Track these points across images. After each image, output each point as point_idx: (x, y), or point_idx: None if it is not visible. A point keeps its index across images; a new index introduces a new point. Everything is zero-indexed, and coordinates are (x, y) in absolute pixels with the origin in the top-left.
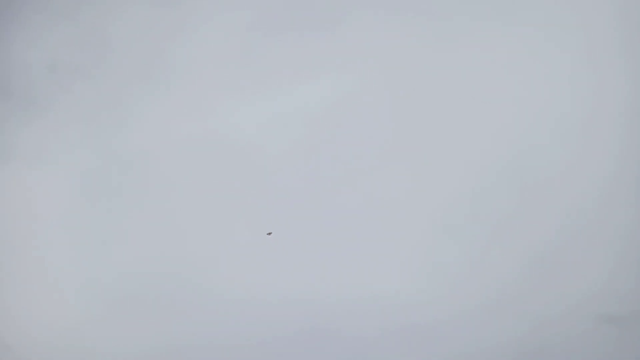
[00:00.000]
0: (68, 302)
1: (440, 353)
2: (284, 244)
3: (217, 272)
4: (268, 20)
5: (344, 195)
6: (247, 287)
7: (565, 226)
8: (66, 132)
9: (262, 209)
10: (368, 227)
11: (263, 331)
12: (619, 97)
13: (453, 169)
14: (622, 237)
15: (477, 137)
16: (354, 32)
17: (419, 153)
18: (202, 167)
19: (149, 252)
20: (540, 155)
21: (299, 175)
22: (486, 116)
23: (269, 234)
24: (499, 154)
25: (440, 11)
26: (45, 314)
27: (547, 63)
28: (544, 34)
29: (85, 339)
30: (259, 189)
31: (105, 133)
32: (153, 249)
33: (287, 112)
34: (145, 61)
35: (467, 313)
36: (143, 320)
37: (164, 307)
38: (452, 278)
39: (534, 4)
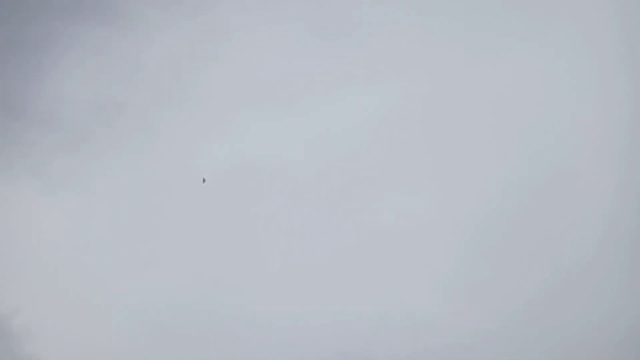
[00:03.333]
0: (100, 326)
1: None
2: (315, 267)
3: (248, 296)
4: (295, 41)
5: (374, 216)
6: (278, 310)
7: (588, 243)
8: (103, 161)
9: (292, 232)
10: (398, 249)
11: (295, 355)
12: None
13: (479, 189)
14: None
15: (504, 156)
16: (381, 52)
17: (448, 172)
18: (232, 191)
19: (180, 276)
20: (567, 174)
21: (328, 197)
22: (516, 134)
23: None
24: (524, 172)
25: (464, 30)
26: (78, 337)
27: (576, 82)
28: (565, 52)
29: None
30: (289, 213)
31: (141, 162)
32: (184, 273)
33: (315, 133)
34: (176, 89)
35: (494, 331)
36: (174, 344)
37: (196, 331)
38: (478, 297)
39: (553, 21)
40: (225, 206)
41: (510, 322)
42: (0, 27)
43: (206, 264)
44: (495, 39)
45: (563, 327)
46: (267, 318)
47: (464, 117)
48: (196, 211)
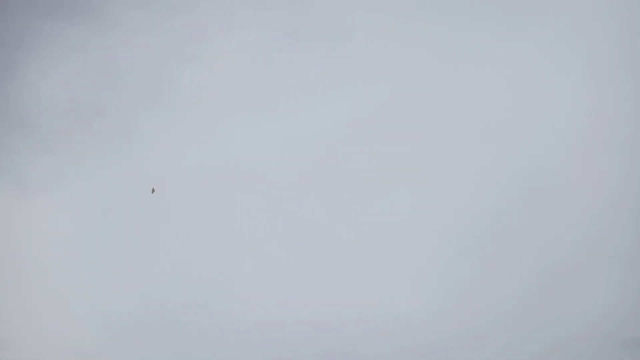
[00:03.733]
0: (81, 327)
1: None
2: (297, 266)
3: (232, 295)
4: (276, 43)
5: (359, 216)
6: (262, 309)
7: (575, 242)
8: (81, 162)
9: (275, 231)
10: (383, 247)
11: (279, 353)
12: (624, 111)
13: (464, 189)
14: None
15: (491, 156)
16: (363, 54)
17: (434, 171)
18: (214, 192)
19: (163, 277)
20: (553, 174)
21: (311, 197)
22: (503, 133)
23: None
24: (511, 172)
25: (448, 31)
26: (59, 339)
27: (565, 79)
28: (551, 51)
29: None
30: (271, 212)
31: (119, 163)
32: (167, 274)
33: (298, 134)
34: (155, 91)
35: (481, 330)
36: (157, 345)
37: (179, 331)
38: (465, 296)
39: (540, 21)
40: (207, 207)
41: (497, 320)
42: None
43: (188, 264)
44: (480, 39)
45: (549, 325)
46: (251, 317)
47: (450, 118)
48: (178, 212)
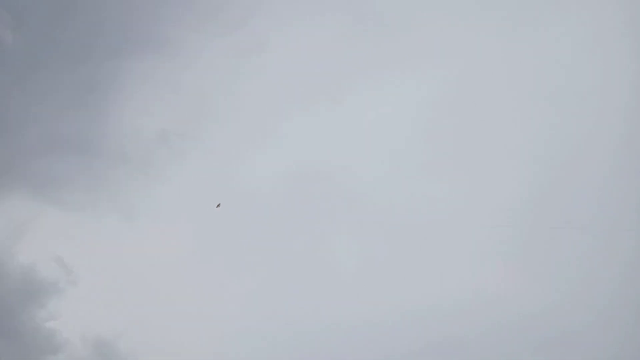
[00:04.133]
0: (200, 342)
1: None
2: (389, 264)
3: (333, 299)
4: (326, 45)
5: (437, 205)
6: (364, 306)
7: None
8: (178, 189)
9: (359, 232)
10: (464, 233)
11: (393, 346)
12: None
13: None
14: None
15: (541, 130)
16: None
17: (492, 154)
18: (302, 196)
19: (264, 283)
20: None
21: (389, 191)
22: (550, 106)
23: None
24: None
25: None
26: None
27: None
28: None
29: None
30: (354, 213)
31: (212, 183)
32: (267, 279)
33: (372, 126)
34: (226, 104)
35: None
36: (266, 348)
37: (283, 335)
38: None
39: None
40: (291, 212)
41: (571, 291)
42: (72, 70)
43: (282, 269)
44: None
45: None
46: (356, 316)
47: (500, 98)
48: (266, 220)
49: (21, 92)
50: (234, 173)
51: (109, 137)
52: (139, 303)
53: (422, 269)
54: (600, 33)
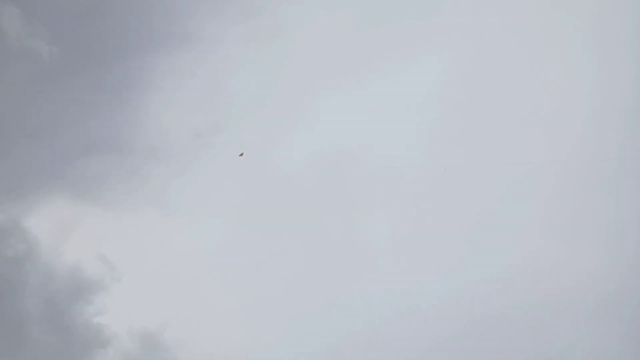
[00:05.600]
0: (242, 329)
1: None
2: (425, 246)
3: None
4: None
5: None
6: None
7: None
8: (209, 180)
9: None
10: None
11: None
12: None
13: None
14: None
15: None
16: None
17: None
18: (332, 181)
19: (303, 272)
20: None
21: (428, 169)
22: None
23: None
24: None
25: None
26: (226, 342)
27: None
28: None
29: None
30: (393, 196)
31: (242, 175)
32: (305, 269)
33: (398, 104)
34: (259, 97)
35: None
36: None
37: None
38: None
39: None
40: (323, 194)
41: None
42: (100, 73)
43: (317, 251)
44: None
45: None
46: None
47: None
48: (299, 204)
49: (56, 98)
50: (266, 159)
51: (140, 134)
52: (181, 294)
53: (453, 245)
54: (608, 21)
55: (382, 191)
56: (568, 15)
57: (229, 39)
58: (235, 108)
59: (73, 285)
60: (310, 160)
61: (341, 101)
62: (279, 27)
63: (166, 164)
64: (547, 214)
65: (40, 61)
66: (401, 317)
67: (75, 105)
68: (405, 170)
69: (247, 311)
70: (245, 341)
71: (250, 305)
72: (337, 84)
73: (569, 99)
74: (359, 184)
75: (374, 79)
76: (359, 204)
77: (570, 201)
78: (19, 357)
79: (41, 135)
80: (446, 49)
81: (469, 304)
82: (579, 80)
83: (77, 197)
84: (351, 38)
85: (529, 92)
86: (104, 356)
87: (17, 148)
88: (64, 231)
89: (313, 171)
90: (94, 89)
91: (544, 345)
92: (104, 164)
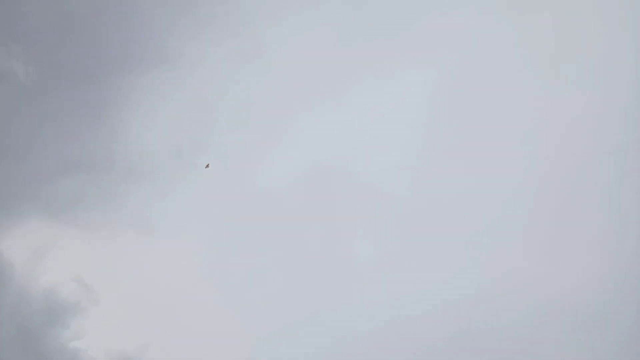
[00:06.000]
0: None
1: None
2: (409, 259)
3: (360, 291)
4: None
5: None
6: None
7: None
8: (191, 201)
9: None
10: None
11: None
12: None
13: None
14: None
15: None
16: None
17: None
18: (316, 195)
19: (286, 290)
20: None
21: (412, 178)
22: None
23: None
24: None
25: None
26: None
27: None
28: None
29: None
30: (378, 209)
31: (225, 193)
32: (287, 287)
33: (379, 119)
34: (241, 113)
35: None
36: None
37: (310, 341)
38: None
39: None
40: (305, 212)
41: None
42: (76, 92)
43: (300, 269)
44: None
45: None
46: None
47: (500, 90)
48: (282, 222)
49: (31, 118)
50: (247, 178)
51: (119, 154)
52: (161, 317)
53: (438, 259)
54: (603, 25)
55: (365, 206)
56: (552, 18)
57: (208, 58)
58: (216, 127)
59: (48, 309)
60: (293, 178)
61: (323, 118)
62: (258, 46)
63: (145, 183)
64: (536, 228)
65: (16, 81)
66: (385, 329)
67: (51, 125)
68: (389, 185)
69: (228, 333)
70: None
71: (231, 327)
72: (319, 100)
73: (554, 120)
74: (343, 200)
75: (355, 95)
76: (343, 219)
77: (559, 215)
78: None
79: (15, 155)
80: (426, 63)
81: (455, 317)
82: (565, 100)
83: (53, 218)
84: (331, 56)
85: (513, 108)
86: None
87: None
88: (39, 253)
89: (296, 188)
90: (70, 109)
91: (533, 358)
92: (81, 184)
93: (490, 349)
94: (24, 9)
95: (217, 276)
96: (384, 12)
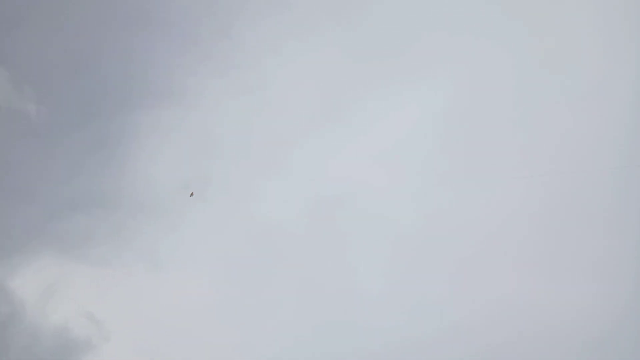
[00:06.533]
0: None
1: None
2: (423, 286)
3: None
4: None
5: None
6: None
7: None
8: (200, 235)
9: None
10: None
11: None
12: None
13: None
14: None
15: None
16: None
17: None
18: (323, 224)
19: (294, 327)
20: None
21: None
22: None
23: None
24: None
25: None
26: None
27: None
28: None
29: None
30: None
31: (234, 227)
32: (297, 324)
33: (383, 145)
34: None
35: None
36: None
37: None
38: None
39: None
40: (312, 239)
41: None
42: (84, 130)
43: (309, 299)
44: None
45: None
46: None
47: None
48: (289, 251)
49: (41, 156)
50: (252, 209)
51: (127, 190)
52: (172, 351)
53: (445, 283)
54: (607, 34)
55: (369, 234)
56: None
57: (211, 91)
58: (221, 160)
59: (60, 346)
60: (297, 207)
61: (327, 147)
62: (259, 76)
63: (153, 218)
64: (534, 252)
65: (28, 121)
66: (386, 355)
67: (60, 163)
68: (391, 213)
69: None
70: None
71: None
72: (323, 129)
73: (550, 141)
74: (348, 229)
75: (358, 122)
76: (348, 248)
77: (556, 240)
78: None
79: (26, 193)
80: (422, 90)
81: (457, 340)
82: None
83: (63, 254)
84: (331, 83)
85: (509, 131)
86: None
87: (1, 207)
88: (50, 290)
89: (301, 218)
90: (79, 146)
91: None
92: (90, 220)
93: None
94: (36, 50)
95: (226, 310)
96: (381, 36)
